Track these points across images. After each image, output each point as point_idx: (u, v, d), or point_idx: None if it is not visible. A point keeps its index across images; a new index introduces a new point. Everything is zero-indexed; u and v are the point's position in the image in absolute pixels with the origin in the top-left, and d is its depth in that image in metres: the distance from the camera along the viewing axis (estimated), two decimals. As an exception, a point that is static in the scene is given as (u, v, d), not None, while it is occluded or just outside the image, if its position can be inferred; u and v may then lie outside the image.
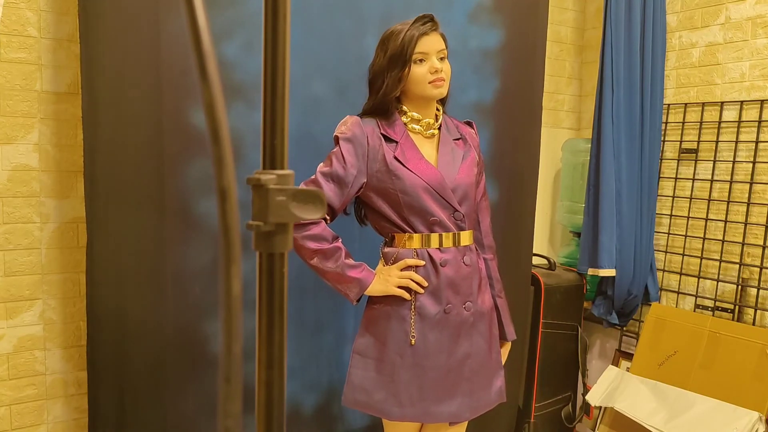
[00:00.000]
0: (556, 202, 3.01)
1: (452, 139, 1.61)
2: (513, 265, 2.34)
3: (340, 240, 1.51)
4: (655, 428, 2.17)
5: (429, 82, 1.50)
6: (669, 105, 2.62)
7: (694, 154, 2.53)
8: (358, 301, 1.55)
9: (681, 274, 2.58)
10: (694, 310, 2.50)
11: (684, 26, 2.57)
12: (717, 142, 2.45)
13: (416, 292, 1.53)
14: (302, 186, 1.39)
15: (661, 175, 2.64)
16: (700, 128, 2.51)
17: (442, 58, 1.53)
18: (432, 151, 1.58)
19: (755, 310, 2.31)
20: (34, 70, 1.85)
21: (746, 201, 2.36)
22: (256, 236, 0.50)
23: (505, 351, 1.78)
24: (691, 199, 2.55)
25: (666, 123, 2.62)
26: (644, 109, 2.50)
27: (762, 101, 2.31)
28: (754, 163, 2.33)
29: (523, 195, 2.36)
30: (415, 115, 1.57)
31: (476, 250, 1.65)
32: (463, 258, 1.57)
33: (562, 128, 3.02)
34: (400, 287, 1.52)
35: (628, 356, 2.67)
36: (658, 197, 2.64)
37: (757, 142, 2.33)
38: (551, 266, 2.67)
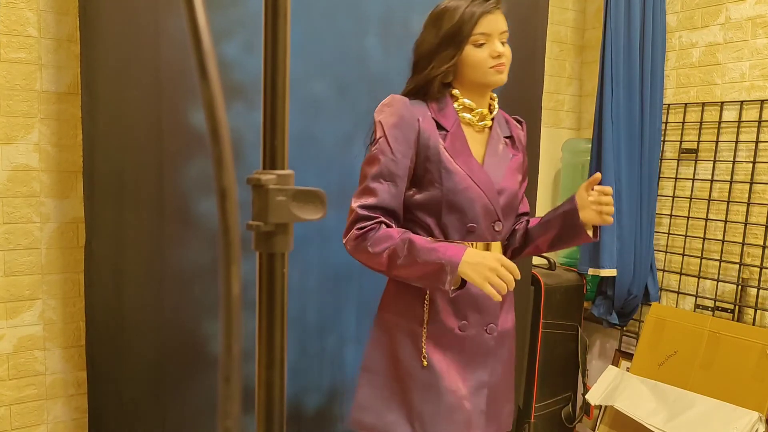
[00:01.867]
0: (556, 202, 3.01)
1: (503, 137, 1.43)
2: (513, 265, 2.34)
3: (409, 233, 1.29)
4: (655, 428, 2.17)
5: (490, 67, 1.31)
6: (669, 105, 2.62)
7: (694, 154, 2.53)
8: (460, 287, 1.32)
9: (681, 274, 2.58)
10: (694, 310, 2.50)
11: (684, 26, 2.57)
12: (717, 142, 2.45)
13: (429, 304, 1.35)
14: (356, 201, 1.29)
15: (661, 175, 2.64)
16: (700, 128, 2.51)
17: (503, 42, 1.34)
18: (480, 148, 1.39)
19: (755, 310, 2.31)
20: (34, 70, 1.85)
21: (746, 201, 2.36)
22: (256, 236, 0.50)
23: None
24: (691, 199, 2.55)
25: (666, 123, 2.62)
26: (644, 109, 2.50)
27: (762, 101, 2.31)
28: (754, 163, 2.33)
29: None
30: (468, 102, 1.37)
31: None
32: None
33: (562, 128, 3.02)
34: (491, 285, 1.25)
35: (628, 356, 2.67)
36: (658, 197, 2.64)
37: (757, 142, 2.32)
38: (551, 266, 2.67)
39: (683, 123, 2.57)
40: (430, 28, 1.35)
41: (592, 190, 1.37)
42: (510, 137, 1.46)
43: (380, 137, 1.31)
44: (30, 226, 1.88)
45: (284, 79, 0.50)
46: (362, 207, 1.29)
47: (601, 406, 2.44)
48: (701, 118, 2.50)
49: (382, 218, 1.29)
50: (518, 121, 1.53)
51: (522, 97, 2.29)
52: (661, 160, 2.63)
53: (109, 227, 1.68)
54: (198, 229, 1.77)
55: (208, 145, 0.40)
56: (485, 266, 1.23)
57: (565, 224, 1.40)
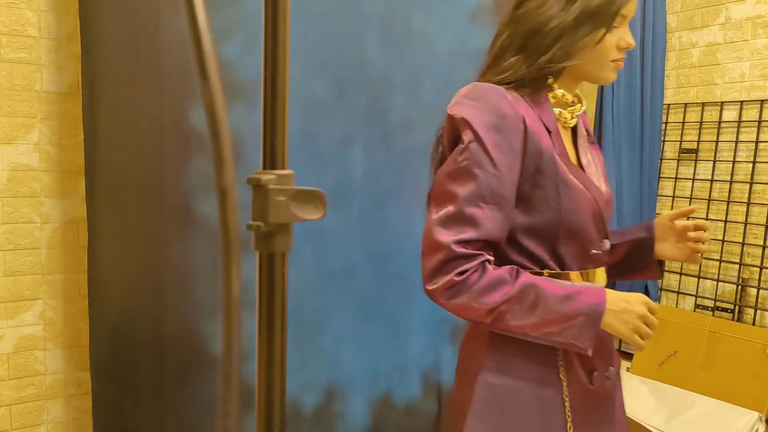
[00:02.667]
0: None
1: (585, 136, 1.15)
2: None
3: (525, 273, 0.98)
4: (655, 428, 2.17)
5: (612, 60, 1.03)
6: (669, 105, 2.62)
7: (694, 154, 2.53)
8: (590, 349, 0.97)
9: (681, 274, 2.58)
10: (694, 310, 2.50)
11: (684, 26, 2.57)
12: (717, 142, 2.45)
13: (563, 354, 1.03)
14: (447, 233, 0.94)
15: (661, 175, 2.64)
16: (700, 128, 2.51)
17: None
18: (572, 151, 1.09)
19: (755, 310, 2.31)
20: (34, 70, 1.85)
21: (746, 201, 2.36)
22: (256, 236, 0.50)
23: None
24: (691, 199, 2.55)
25: (666, 123, 2.62)
26: (644, 109, 2.51)
27: (762, 101, 2.31)
28: (754, 163, 2.33)
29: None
30: (563, 94, 1.06)
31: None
32: None
33: (562, 128, 3.02)
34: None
35: (628, 356, 2.67)
36: (658, 197, 2.64)
37: (757, 142, 2.32)
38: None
39: (683, 123, 2.57)
40: None
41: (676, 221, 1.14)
42: (587, 132, 1.17)
43: (471, 142, 0.95)
44: (30, 226, 1.88)
45: (284, 79, 0.50)
46: (460, 243, 0.94)
47: (601, 406, 2.44)
48: (701, 118, 2.50)
49: (486, 255, 0.97)
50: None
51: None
52: (661, 160, 2.63)
53: (111, 227, 1.68)
54: (199, 228, 1.77)
55: (208, 145, 0.40)
56: (634, 314, 0.97)
57: (634, 255, 1.18)
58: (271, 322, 0.52)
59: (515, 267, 0.98)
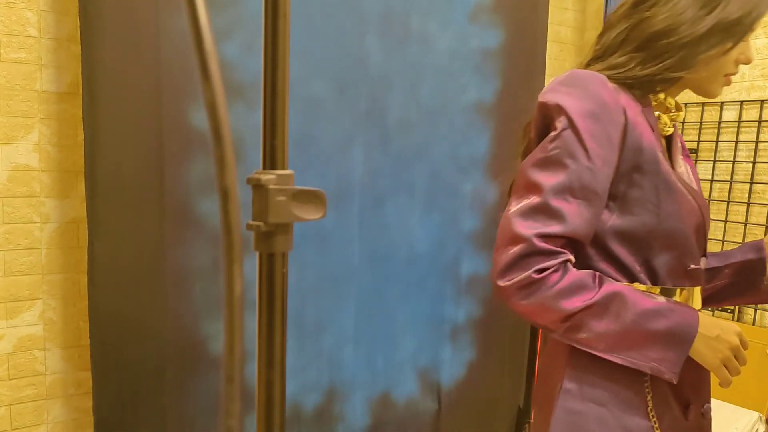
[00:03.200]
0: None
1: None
2: (513, 265, 2.34)
3: (608, 280, 0.89)
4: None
5: (724, 75, 0.96)
6: (669, 105, 2.62)
7: (695, 154, 2.53)
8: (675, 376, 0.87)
9: (681, 274, 2.58)
10: (694, 310, 2.51)
11: (684, 26, 2.57)
12: (717, 142, 2.45)
13: (651, 381, 0.92)
14: (528, 226, 0.85)
15: (661, 175, 2.64)
16: (700, 128, 2.51)
17: None
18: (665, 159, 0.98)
19: (755, 310, 2.31)
20: (34, 70, 1.85)
21: (746, 201, 2.36)
22: (256, 236, 0.50)
23: None
24: (691, 199, 2.55)
25: (666, 123, 2.62)
26: (644, 109, 2.51)
27: (762, 101, 2.31)
28: (754, 163, 2.33)
29: (523, 195, 2.36)
30: (665, 98, 0.97)
31: None
32: None
33: (562, 128, 3.02)
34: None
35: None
36: (658, 197, 2.64)
37: (757, 142, 2.33)
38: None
39: (683, 123, 2.57)
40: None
41: None
42: (681, 144, 1.09)
43: (564, 129, 0.86)
44: (30, 226, 1.88)
45: (284, 79, 0.50)
46: (542, 237, 0.85)
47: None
48: (701, 118, 2.50)
49: (569, 255, 0.87)
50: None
51: (522, 98, 2.29)
52: (661, 160, 2.63)
53: (111, 227, 1.68)
54: (199, 228, 1.77)
55: (209, 145, 0.40)
56: (726, 344, 0.88)
57: (742, 277, 1.08)
58: (271, 322, 0.52)
59: (598, 273, 0.88)
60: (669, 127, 0.99)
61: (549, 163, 0.87)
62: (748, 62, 0.95)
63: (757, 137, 2.32)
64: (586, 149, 0.85)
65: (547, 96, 0.90)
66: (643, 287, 0.92)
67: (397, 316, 2.12)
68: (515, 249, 0.85)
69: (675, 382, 0.88)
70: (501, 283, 0.87)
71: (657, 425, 0.91)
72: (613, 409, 0.91)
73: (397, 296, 2.11)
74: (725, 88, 0.97)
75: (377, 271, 2.04)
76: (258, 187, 0.49)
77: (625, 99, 0.90)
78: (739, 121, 2.38)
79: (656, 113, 0.97)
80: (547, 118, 0.90)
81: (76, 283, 1.95)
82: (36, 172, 1.88)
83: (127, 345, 1.73)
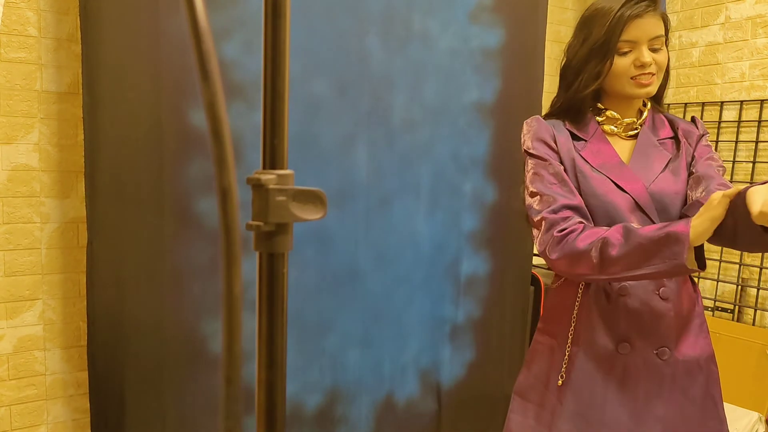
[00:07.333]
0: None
1: (656, 140, 1.25)
2: (513, 265, 2.34)
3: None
4: (655, 428, 2.17)
5: (631, 78, 1.17)
6: (669, 105, 2.62)
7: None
8: (701, 266, 1.04)
9: (681, 274, 2.58)
10: (694, 310, 2.51)
11: (684, 26, 2.57)
12: (717, 142, 2.45)
13: (577, 321, 1.22)
14: (540, 213, 1.17)
15: (661, 175, 2.64)
16: (700, 128, 2.51)
17: (656, 49, 1.17)
18: (628, 154, 1.25)
19: (755, 310, 2.31)
20: (34, 70, 1.85)
21: (746, 201, 2.36)
22: (256, 236, 0.50)
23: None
24: (691, 199, 2.55)
25: (666, 123, 2.62)
26: (644, 109, 2.51)
27: (762, 101, 2.31)
28: (754, 163, 2.33)
29: (523, 195, 2.36)
30: (612, 114, 1.25)
31: (690, 281, 1.25)
32: (658, 290, 1.18)
33: (562, 128, 3.02)
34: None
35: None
36: (658, 197, 2.64)
37: (757, 142, 2.32)
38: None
39: (683, 123, 2.57)
40: (579, 34, 1.22)
41: None
42: (672, 138, 1.27)
43: (529, 158, 1.26)
44: (30, 226, 1.88)
45: (284, 79, 0.50)
46: (551, 211, 1.16)
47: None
48: (701, 118, 2.50)
49: (578, 217, 1.16)
50: (691, 120, 1.34)
51: (522, 97, 2.29)
52: (661, 160, 2.63)
53: (110, 227, 1.68)
54: (198, 228, 1.77)
55: (209, 145, 0.40)
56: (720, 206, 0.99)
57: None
58: (271, 322, 0.52)
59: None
60: (626, 132, 1.25)
61: (532, 179, 1.24)
62: (643, 66, 1.16)
63: (757, 137, 2.32)
64: (540, 156, 1.23)
65: (523, 144, 1.29)
66: None
67: (401, 317, 2.12)
68: (543, 227, 1.17)
69: (698, 270, 1.04)
70: (540, 250, 1.18)
71: (569, 351, 1.22)
72: (545, 345, 1.29)
73: (402, 297, 2.11)
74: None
75: (380, 272, 2.05)
76: (258, 186, 0.49)
77: (553, 123, 1.26)
78: (739, 121, 2.38)
79: (613, 128, 1.25)
80: (526, 159, 1.29)
81: (76, 283, 1.95)
82: (36, 172, 1.88)
83: (126, 344, 1.73)
